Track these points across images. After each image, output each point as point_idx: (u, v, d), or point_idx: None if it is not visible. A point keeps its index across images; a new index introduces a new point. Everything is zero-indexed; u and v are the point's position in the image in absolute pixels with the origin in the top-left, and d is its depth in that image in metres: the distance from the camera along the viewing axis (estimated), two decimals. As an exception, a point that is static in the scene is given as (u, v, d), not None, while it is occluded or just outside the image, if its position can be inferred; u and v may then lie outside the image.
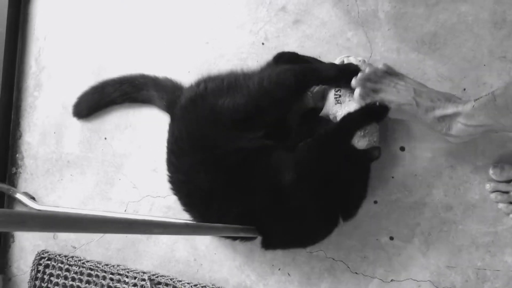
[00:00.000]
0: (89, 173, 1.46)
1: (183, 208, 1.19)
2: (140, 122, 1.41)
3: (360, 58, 1.15)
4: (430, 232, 1.15)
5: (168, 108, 1.28)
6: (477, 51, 1.13)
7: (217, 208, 1.09)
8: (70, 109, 1.50)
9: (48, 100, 1.53)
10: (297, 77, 1.10)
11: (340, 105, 1.10)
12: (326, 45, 1.24)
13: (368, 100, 1.08)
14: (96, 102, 1.45)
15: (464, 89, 1.13)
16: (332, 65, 1.15)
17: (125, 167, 1.42)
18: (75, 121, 1.49)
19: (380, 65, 1.10)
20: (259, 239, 1.24)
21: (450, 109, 1.00)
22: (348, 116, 1.07)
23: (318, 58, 1.24)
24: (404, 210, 1.17)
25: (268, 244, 1.17)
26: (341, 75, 1.10)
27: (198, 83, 1.20)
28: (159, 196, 1.37)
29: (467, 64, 1.14)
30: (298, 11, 1.28)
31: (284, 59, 1.22)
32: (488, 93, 0.91)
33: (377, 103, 1.05)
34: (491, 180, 1.10)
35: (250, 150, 1.08)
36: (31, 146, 1.54)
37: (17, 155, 1.56)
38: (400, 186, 1.17)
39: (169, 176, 1.20)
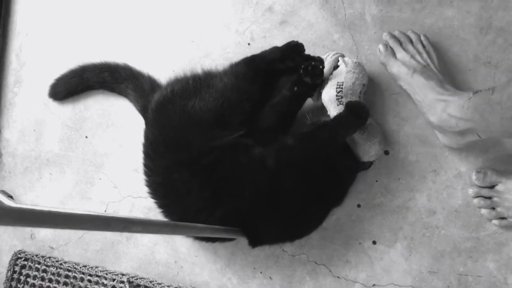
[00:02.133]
0: (69, 172, 1.43)
1: (160, 211, 1.17)
2: (122, 121, 1.39)
3: (355, 60, 1.15)
4: (412, 236, 1.15)
5: (142, 112, 1.28)
6: (463, 56, 1.14)
7: (196, 209, 1.08)
8: (50, 106, 1.47)
9: (28, 96, 1.50)
10: (247, 64, 1.15)
11: (342, 106, 1.09)
12: (312, 47, 1.24)
13: (382, 57, 1.16)
14: (74, 86, 1.42)
15: (449, 94, 1.13)
16: (275, 47, 1.18)
17: (106, 166, 1.40)
18: (55, 118, 1.46)
19: (422, 36, 1.15)
20: (240, 240, 1.23)
21: (444, 96, 1.02)
22: (337, 117, 1.07)
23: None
24: (387, 214, 1.16)
25: (255, 242, 1.16)
26: (285, 55, 1.15)
27: (166, 87, 1.21)
28: (140, 197, 1.34)
29: (453, 68, 1.14)
30: (285, 12, 1.27)
31: None
32: (489, 88, 0.89)
33: (361, 106, 1.07)
34: (474, 185, 1.10)
35: (226, 149, 1.08)
36: (10, 143, 1.51)
37: (-5, 153, 1.53)
38: (384, 190, 1.17)
39: (145, 180, 1.19)
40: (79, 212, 0.58)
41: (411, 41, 1.14)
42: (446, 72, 1.13)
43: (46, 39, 1.51)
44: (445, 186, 1.13)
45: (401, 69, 1.10)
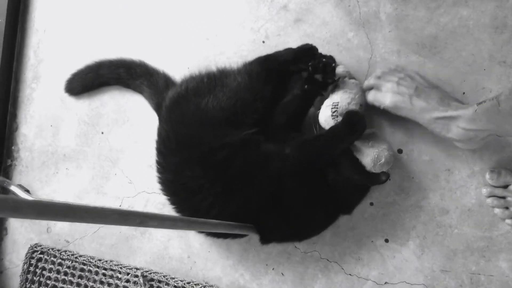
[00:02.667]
0: (85, 167, 1.45)
1: (172, 207, 1.19)
2: (138, 118, 1.41)
3: (353, 81, 1.16)
4: (425, 235, 1.15)
5: (156, 108, 1.30)
6: (477, 55, 1.13)
7: (208, 206, 1.10)
8: (67, 102, 1.49)
9: (45, 92, 1.52)
10: (261, 64, 1.16)
11: (336, 120, 1.10)
12: (327, 45, 1.24)
13: (370, 97, 1.12)
14: (90, 81, 1.45)
15: (464, 93, 1.13)
16: (289, 49, 1.19)
17: (121, 162, 1.42)
18: (72, 114, 1.48)
19: (392, 65, 1.14)
20: (252, 237, 1.24)
21: (449, 112, 1.01)
22: (333, 128, 1.09)
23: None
24: (400, 212, 1.17)
25: (266, 239, 1.17)
26: (298, 57, 1.16)
27: (180, 84, 1.22)
28: (154, 192, 1.36)
29: (467, 68, 1.14)
30: (299, 10, 1.27)
31: None
32: (492, 98, 0.90)
33: (358, 118, 1.07)
34: (487, 185, 1.10)
35: (238, 145, 1.09)
36: (27, 138, 1.53)
37: (12, 147, 1.55)
38: (397, 188, 1.17)
39: (158, 177, 1.21)
40: (97, 206, 0.59)
41: (389, 74, 1.12)
42: (440, 84, 1.12)
43: (64, 35, 1.53)
44: (458, 185, 1.13)
45: (396, 98, 1.07)
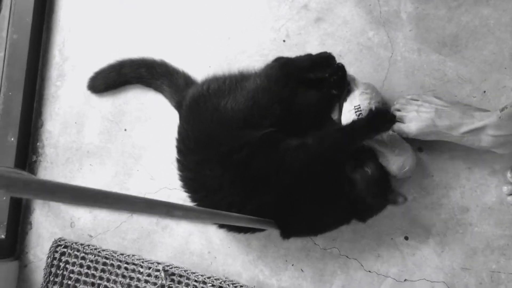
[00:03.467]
0: (108, 163, 1.48)
1: (193, 205, 1.21)
2: (160, 116, 1.43)
3: (364, 81, 1.18)
4: (445, 233, 1.15)
5: (177, 107, 1.32)
6: (498, 54, 1.14)
7: (228, 204, 1.11)
8: (91, 100, 1.52)
9: (70, 90, 1.56)
10: (280, 68, 1.17)
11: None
12: (347, 44, 1.25)
13: (395, 128, 1.13)
14: (113, 80, 1.48)
15: (484, 92, 1.13)
16: (308, 56, 1.20)
17: (144, 158, 1.44)
18: (96, 112, 1.51)
19: (406, 96, 1.15)
20: (272, 233, 1.26)
21: (475, 124, 1.02)
22: (357, 122, 1.10)
23: (339, 57, 1.25)
24: (420, 210, 1.17)
25: (287, 234, 1.19)
26: (315, 64, 1.18)
27: (202, 83, 1.24)
28: (176, 189, 1.38)
29: (488, 66, 1.14)
30: (320, 9, 1.29)
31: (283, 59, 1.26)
32: None
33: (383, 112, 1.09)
34: (508, 183, 1.10)
35: (257, 144, 1.11)
36: (52, 135, 1.57)
37: (38, 144, 1.58)
38: (417, 186, 1.18)
39: (178, 175, 1.23)
40: (126, 194, 0.61)
41: (407, 104, 1.14)
42: (457, 100, 1.13)
43: (88, 34, 1.56)
44: (479, 183, 1.14)
45: (420, 125, 1.08)
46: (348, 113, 1.14)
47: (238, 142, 1.11)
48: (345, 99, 1.17)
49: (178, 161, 1.22)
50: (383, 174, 1.13)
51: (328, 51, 1.18)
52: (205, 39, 1.41)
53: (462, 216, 1.14)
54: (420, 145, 1.17)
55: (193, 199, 1.21)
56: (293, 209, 1.13)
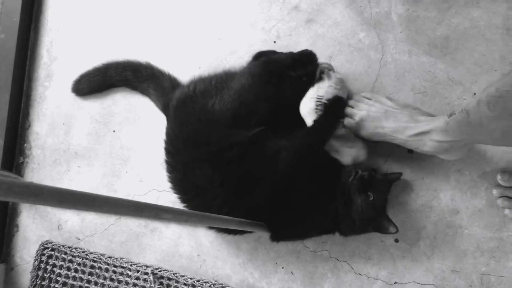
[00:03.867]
0: (97, 165, 1.46)
1: (183, 206, 1.20)
2: (149, 117, 1.42)
3: (338, 75, 1.18)
4: (435, 235, 1.15)
5: (163, 110, 1.32)
6: (489, 56, 1.14)
7: (219, 204, 1.11)
8: (79, 100, 1.50)
9: (58, 91, 1.54)
10: (262, 66, 1.18)
11: (318, 112, 1.12)
12: (338, 45, 1.25)
13: (345, 122, 1.15)
14: (97, 84, 1.47)
15: (475, 94, 1.14)
16: (290, 54, 1.22)
17: (132, 160, 1.43)
18: (84, 113, 1.49)
19: (361, 93, 1.18)
20: (262, 236, 1.25)
21: (420, 128, 1.03)
22: (318, 122, 1.12)
23: (329, 58, 1.25)
24: (410, 212, 1.17)
25: (276, 237, 1.18)
26: (296, 62, 1.19)
27: (188, 85, 1.24)
28: (165, 191, 1.37)
29: (478, 69, 1.14)
30: (311, 10, 1.28)
31: (263, 56, 1.27)
32: (462, 110, 0.91)
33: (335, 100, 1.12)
34: (498, 185, 1.10)
35: (248, 143, 1.11)
36: (40, 136, 1.55)
37: (25, 145, 1.56)
38: (408, 188, 1.17)
39: (168, 176, 1.22)
40: (115, 197, 0.60)
41: (355, 102, 1.16)
42: (409, 103, 1.14)
43: (77, 34, 1.55)
44: (469, 186, 1.13)
45: (369, 124, 1.11)
46: (309, 99, 1.14)
47: (228, 141, 1.11)
48: (312, 85, 1.16)
49: (167, 162, 1.21)
50: (383, 203, 1.14)
51: (314, 51, 1.19)
52: (195, 40, 1.40)
53: (452, 219, 1.14)
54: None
55: (183, 200, 1.20)
56: (281, 211, 1.13)
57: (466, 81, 1.15)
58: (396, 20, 1.21)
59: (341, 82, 1.15)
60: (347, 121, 1.14)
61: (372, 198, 1.09)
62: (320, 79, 1.16)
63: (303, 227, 1.17)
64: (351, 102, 1.16)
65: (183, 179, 1.19)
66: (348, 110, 1.15)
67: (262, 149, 1.11)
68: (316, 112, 1.11)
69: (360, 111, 1.12)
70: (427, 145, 1.04)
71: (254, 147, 1.10)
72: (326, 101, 1.11)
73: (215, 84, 1.18)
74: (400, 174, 1.15)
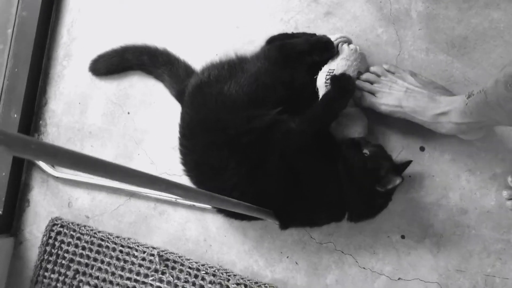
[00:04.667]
0: (110, 145, 1.48)
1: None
2: (164, 101, 1.43)
3: (352, 47, 1.17)
4: (442, 234, 1.15)
5: (177, 96, 1.34)
6: (506, 58, 1.13)
7: (232, 185, 1.12)
8: (96, 81, 1.52)
9: (76, 70, 1.55)
10: (279, 51, 1.19)
11: (328, 86, 1.13)
12: (355, 39, 1.25)
13: (364, 103, 1.15)
14: (114, 65, 1.49)
15: (490, 94, 1.13)
16: (307, 39, 1.21)
17: (145, 142, 1.44)
18: (101, 93, 1.51)
19: (384, 65, 1.17)
20: (269, 224, 1.25)
21: (441, 108, 1.03)
22: (325, 95, 1.13)
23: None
24: (418, 210, 1.17)
25: (285, 225, 1.19)
26: (313, 48, 1.18)
27: (202, 71, 1.25)
28: (175, 174, 1.38)
29: (495, 70, 1.13)
30: (330, 3, 1.29)
31: (276, 40, 1.28)
32: (480, 91, 0.91)
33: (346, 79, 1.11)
34: (508, 187, 1.10)
35: (263, 129, 1.11)
36: (55, 114, 1.57)
37: (40, 122, 1.58)
38: (417, 185, 1.17)
39: (181, 159, 1.23)
40: (129, 167, 0.61)
41: (379, 76, 1.16)
42: (432, 80, 1.14)
43: (98, 16, 1.56)
44: (479, 186, 1.13)
45: (389, 102, 1.11)
46: (321, 74, 1.15)
47: (246, 126, 1.12)
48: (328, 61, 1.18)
49: (182, 145, 1.23)
50: (382, 152, 1.12)
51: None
52: (213, 27, 1.41)
53: (460, 218, 1.14)
54: (422, 144, 1.17)
55: (195, 181, 1.22)
56: (290, 195, 1.13)
57: (482, 82, 1.14)
58: (416, 18, 1.21)
59: (354, 54, 1.15)
60: (369, 99, 1.14)
61: (368, 154, 1.08)
62: (336, 53, 1.17)
63: (312, 212, 1.17)
64: (371, 77, 1.15)
65: (198, 160, 1.20)
66: (368, 86, 1.15)
67: (277, 132, 1.12)
68: (326, 86, 1.13)
69: (382, 89, 1.13)
70: (445, 127, 1.05)
71: (271, 130, 1.11)
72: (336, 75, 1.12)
73: (228, 69, 1.19)
74: (410, 161, 1.13)
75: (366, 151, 1.08)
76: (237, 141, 1.11)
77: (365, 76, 1.17)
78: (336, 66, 1.13)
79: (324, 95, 1.13)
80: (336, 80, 1.10)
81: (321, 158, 1.13)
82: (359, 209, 1.14)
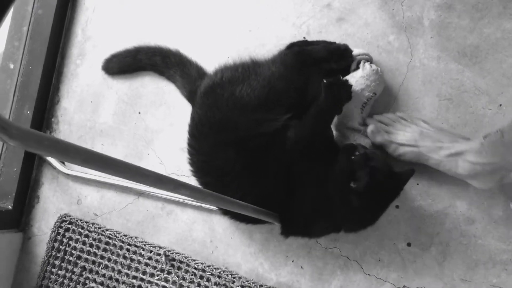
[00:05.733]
0: (120, 144, 1.49)
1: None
2: (175, 102, 1.44)
3: (374, 67, 1.18)
4: (448, 243, 1.15)
5: (189, 97, 1.35)
6: (518, 69, 1.13)
7: (236, 187, 1.13)
8: (109, 80, 1.54)
9: (89, 69, 1.57)
10: (296, 56, 1.19)
11: None
12: (367, 46, 1.25)
13: (379, 138, 1.15)
14: (127, 65, 1.50)
15: (500, 105, 1.13)
16: (325, 47, 1.22)
17: (155, 143, 1.45)
18: (112, 93, 1.52)
19: (397, 113, 1.18)
20: (275, 227, 1.26)
21: (456, 147, 1.03)
22: (318, 104, 1.13)
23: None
24: (425, 218, 1.17)
25: (286, 232, 1.19)
26: (332, 55, 1.19)
27: (215, 73, 1.26)
28: (184, 175, 1.39)
29: (506, 80, 1.13)
30: (343, 9, 1.29)
31: (295, 46, 1.28)
32: (497, 130, 0.93)
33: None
34: (516, 198, 1.10)
35: (272, 134, 1.12)
36: (67, 112, 1.58)
37: (52, 119, 1.60)
38: (424, 193, 1.17)
39: (189, 159, 1.25)
40: (138, 166, 0.62)
41: (394, 121, 1.16)
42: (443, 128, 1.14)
43: (112, 16, 1.58)
44: (487, 196, 1.13)
45: (404, 144, 1.12)
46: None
47: (255, 130, 1.13)
48: (348, 73, 1.19)
49: (191, 145, 1.23)
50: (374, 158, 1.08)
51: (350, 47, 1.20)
52: (225, 30, 1.42)
53: (466, 227, 1.14)
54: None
55: (201, 182, 1.23)
56: (291, 204, 1.14)
57: (492, 92, 1.14)
58: (428, 25, 1.21)
59: (375, 75, 1.16)
60: (383, 135, 1.14)
61: (354, 158, 1.07)
62: (357, 68, 1.18)
63: (310, 223, 1.17)
64: (385, 120, 1.16)
65: (205, 161, 1.21)
66: (384, 127, 1.15)
67: (280, 139, 1.13)
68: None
69: (396, 130, 1.13)
70: (460, 166, 1.04)
71: (279, 136, 1.12)
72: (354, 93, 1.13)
73: (241, 71, 1.20)
74: (413, 171, 1.10)
75: (354, 156, 1.06)
76: (245, 144, 1.12)
77: (380, 117, 1.17)
78: (355, 82, 1.15)
79: (315, 104, 1.13)
80: (329, 87, 1.10)
81: (318, 166, 1.13)
82: (346, 217, 1.13)
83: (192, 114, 1.26)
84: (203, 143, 1.21)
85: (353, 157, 1.06)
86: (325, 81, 1.09)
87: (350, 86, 1.12)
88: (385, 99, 1.22)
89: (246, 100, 1.15)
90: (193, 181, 1.23)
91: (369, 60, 1.20)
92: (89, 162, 0.54)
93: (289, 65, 1.17)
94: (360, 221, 1.14)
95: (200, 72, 1.37)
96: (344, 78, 1.15)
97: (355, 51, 1.19)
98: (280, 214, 1.16)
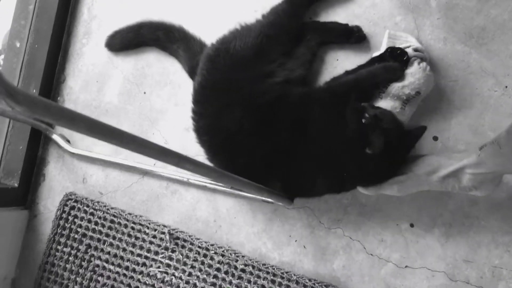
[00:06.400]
0: (125, 124, 1.50)
1: (207, 156, 1.23)
2: (180, 82, 1.44)
3: (422, 65, 1.13)
4: (451, 224, 1.15)
5: (190, 72, 1.36)
6: (525, 50, 1.13)
7: (243, 146, 1.15)
8: (114, 60, 1.54)
9: (95, 49, 1.57)
10: (287, 1, 1.26)
11: (380, 100, 1.14)
12: (373, 27, 1.25)
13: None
14: (129, 40, 1.51)
15: (506, 87, 1.13)
16: None
17: (160, 122, 1.46)
18: (118, 72, 1.53)
19: None
20: (278, 208, 1.27)
21: (454, 165, 1.04)
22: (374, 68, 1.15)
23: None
24: (428, 199, 1.17)
25: (292, 194, 1.21)
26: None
27: (211, 44, 1.30)
28: (188, 155, 1.39)
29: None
30: (350, -11, 1.28)
31: None
32: (492, 141, 0.94)
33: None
34: (520, 180, 1.10)
35: (274, 96, 1.14)
36: (73, 91, 1.59)
37: (58, 98, 1.60)
38: (428, 174, 1.17)
39: (194, 125, 1.25)
40: (143, 138, 0.63)
41: None
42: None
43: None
44: (490, 178, 1.13)
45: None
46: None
47: (257, 87, 1.15)
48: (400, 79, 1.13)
49: (195, 112, 1.24)
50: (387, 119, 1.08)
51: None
52: (231, 10, 1.41)
53: (470, 209, 1.14)
54: (435, 133, 1.17)
55: (211, 143, 1.23)
56: (296, 161, 1.15)
57: (499, 74, 1.14)
58: (435, 7, 1.20)
59: (421, 73, 1.12)
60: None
61: (365, 121, 1.06)
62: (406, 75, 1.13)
63: (314, 180, 1.17)
64: None
65: (211, 124, 1.21)
66: None
67: (289, 97, 1.15)
68: (379, 93, 1.15)
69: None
70: (463, 181, 1.04)
71: (283, 94, 1.14)
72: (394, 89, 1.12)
73: (231, 32, 1.25)
74: (425, 127, 1.10)
75: (365, 119, 1.05)
76: (252, 101, 1.14)
77: None
78: (409, 83, 1.11)
79: (373, 67, 1.14)
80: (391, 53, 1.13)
81: (335, 126, 1.12)
82: (360, 177, 1.14)
83: (193, 85, 1.27)
84: (208, 106, 1.22)
85: (363, 120, 1.05)
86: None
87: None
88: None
89: (241, 54, 1.18)
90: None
91: (423, 58, 1.14)
92: (94, 130, 0.54)
93: (280, 11, 1.23)
94: (374, 180, 1.13)
95: (203, 48, 1.37)
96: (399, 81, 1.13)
97: (409, 49, 1.14)
98: (283, 176, 1.16)
